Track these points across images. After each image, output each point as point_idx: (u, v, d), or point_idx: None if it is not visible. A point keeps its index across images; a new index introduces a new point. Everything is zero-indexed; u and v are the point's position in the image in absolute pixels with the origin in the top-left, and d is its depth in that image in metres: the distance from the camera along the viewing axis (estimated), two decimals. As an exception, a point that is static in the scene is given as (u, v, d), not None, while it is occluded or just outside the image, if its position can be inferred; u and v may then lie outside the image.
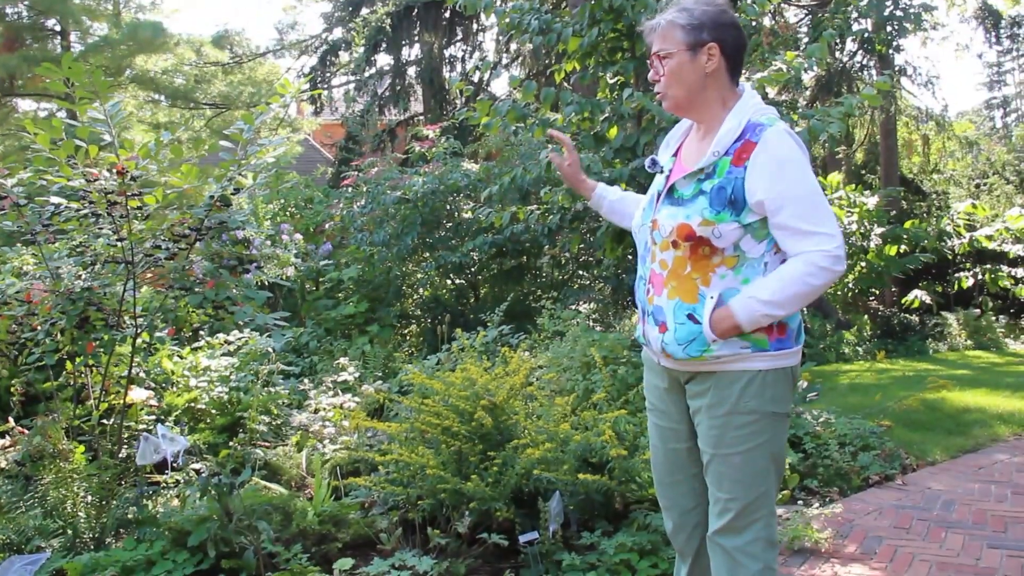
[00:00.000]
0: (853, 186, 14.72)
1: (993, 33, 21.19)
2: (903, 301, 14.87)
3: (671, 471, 2.69)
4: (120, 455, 4.35)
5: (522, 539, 3.56)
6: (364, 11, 19.76)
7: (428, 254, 9.31)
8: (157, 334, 4.64)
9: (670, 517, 2.75)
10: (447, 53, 19.48)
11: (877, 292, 16.18)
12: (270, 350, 6.08)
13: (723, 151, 2.38)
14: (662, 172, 2.62)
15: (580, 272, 9.91)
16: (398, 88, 18.85)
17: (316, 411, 5.68)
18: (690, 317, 2.39)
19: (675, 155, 2.63)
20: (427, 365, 5.73)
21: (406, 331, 9.53)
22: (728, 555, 2.47)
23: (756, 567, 2.43)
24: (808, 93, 17.59)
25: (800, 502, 4.60)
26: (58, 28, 19.23)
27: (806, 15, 17.53)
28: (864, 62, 18.37)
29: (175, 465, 4.28)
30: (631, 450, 4.16)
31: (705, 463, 2.51)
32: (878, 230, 13.31)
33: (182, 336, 6.89)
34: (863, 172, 21.34)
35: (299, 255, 8.67)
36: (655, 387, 2.68)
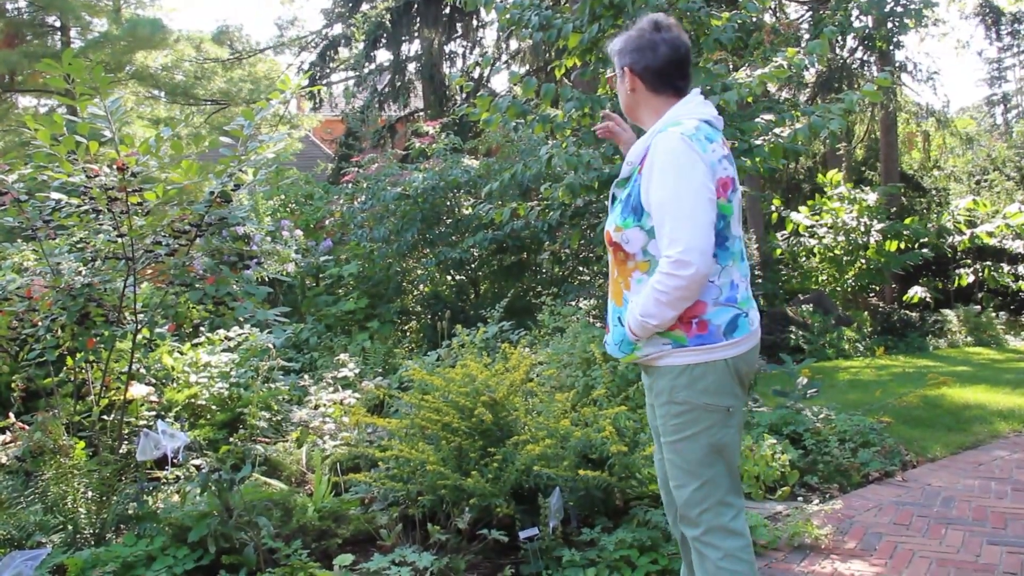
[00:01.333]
0: (852, 183, 14.73)
1: (994, 30, 21.20)
2: (904, 298, 14.88)
3: (660, 452, 2.83)
4: (120, 451, 4.35)
5: (522, 535, 3.57)
6: (364, 6, 19.73)
7: (428, 250, 9.32)
8: (157, 330, 4.64)
9: (664, 501, 2.92)
10: (447, 49, 19.44)
11: (877, 288, 16.17)
12: (270, 346, 6.09)
13: (636, 161, 2.61)
14: None
15: (580, 268, 9.91)
16: (398, 84, 18.81)
17: (316, 407, 5.69)
18: (620, 319, 2.65)
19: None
20: (427, 361, 5.73)
21: (406, 327, 9.54)
22: (692, 545, 2.62)
23: (716, 555, 2.55)
24: (809, 90, 17.58)
25: (800, 498, 4.61)
26: (58, 24, 19.23)
27: (807, 11, 17.52)
28: (865, 58, 18.34)
29: (175, 461, 4.29)
30: (631, 446, 4.16)
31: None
32: (878, 226, 13.33)
33: (182, 332, 6.89)
34: (863, 168, 21.33)
35: (299, 251, 8.67)
36: (644, 376, 2.84)
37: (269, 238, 7.95)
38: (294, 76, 18.92)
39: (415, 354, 7.55)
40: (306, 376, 6.40)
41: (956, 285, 15.45)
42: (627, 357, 2.63)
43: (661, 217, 2.45)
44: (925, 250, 13.60)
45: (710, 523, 2.56)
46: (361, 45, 18.56)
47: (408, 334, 9.36)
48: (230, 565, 3.53)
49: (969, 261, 15.64)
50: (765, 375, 7.46)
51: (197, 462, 4.69)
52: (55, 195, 4.39)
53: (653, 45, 2.66)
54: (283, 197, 10.76)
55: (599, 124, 3.12)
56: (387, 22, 17.97)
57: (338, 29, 19.98)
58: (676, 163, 2.45)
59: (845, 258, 13.70)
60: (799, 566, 3.73)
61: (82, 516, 3.84)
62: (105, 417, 4.76)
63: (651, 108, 2.71)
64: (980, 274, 15.05)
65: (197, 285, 4.41)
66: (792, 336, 10.87)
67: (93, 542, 3.76)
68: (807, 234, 14.35)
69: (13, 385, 5.28)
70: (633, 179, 2.59)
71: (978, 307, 14.94)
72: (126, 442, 4.51)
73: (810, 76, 17.12)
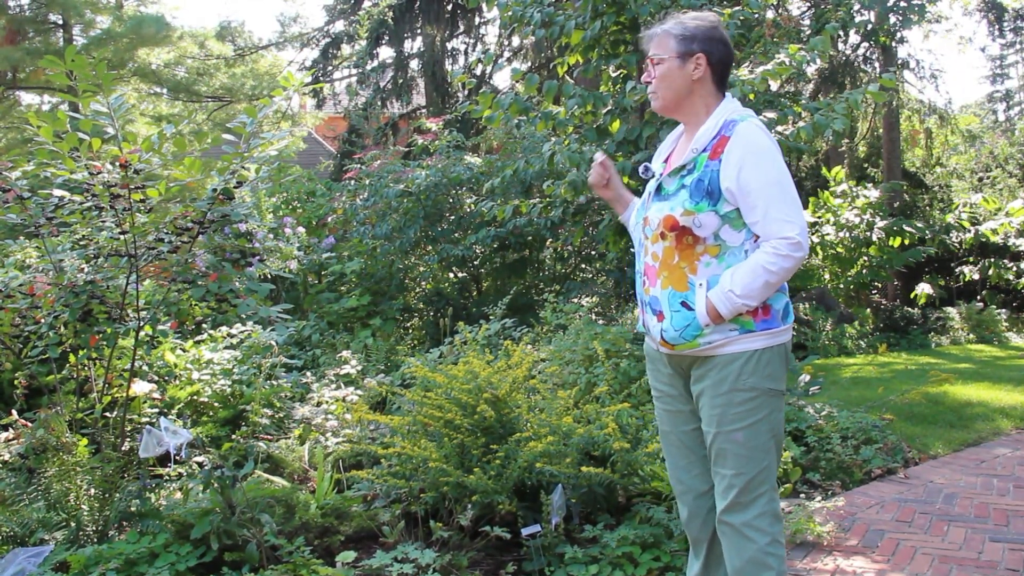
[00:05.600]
0: (855, 180, 14.70)
1: (996, 26, 21.11)
2: (911, 295, 14.86)
3: (684, 454, 2.85)
4: (123, 448, 4.36)
5: (524, 532, 3.57)
6: (366, 3, 19.72)
7: (431, 247, 9.32)
8: (160, 327, 4.63)
9: (684, 503, 2.88)
10: (449, 46, 19.40)
11: (879, 286, 16.14)
12: (273, 343, 6.09)
13: (701, 148, 2.61)
14: (654, 177, 2.82)
15: (583, 265, 9.91)
16: (400, 81, 18.77)
17: (318, 404, 5.69)
18: (684, 304, 2.59)
19: (666, 161, 2.83)
20: (429, 358, 5.73)
21: (408, 324, 9.54)
22: (737, 532, 2.62)
23: (764, 540, 2.58)
24: (811, 86, 17.53)
25: (802, 495, 4.60)
26: (60, 21, 19.23)
27: (808, 7, 17.48)
28: (867, 54, 18.29)
29: (178, 458, 4.29)
30: (634, 443, 4.16)
31: (709, 443, 2.67)
32: (880, 223, 13.30)
33: (185, 329, 6.89)
34: (865, 165, 21.28)
35: (302, 248, 8.68)
36: (661, 373, 2.84)
37: (271, 235, 7.96)
38: (297, 73, 18.90)
39: (417, 351, 7.56)
40: (308, 373, 6.40)
41: (958, 282, 15.43)
42: (688, 344, 2.60)
43: (769, 200, 2.49)
44: (927, 248, 13.57)
45: (763, 508, 2.60)
46: (364, 42, 18.54)
47: (410, 331, 9.36)
48: (232, 562, 3.54)
49: (972, 259, 15.61)
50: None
51: (200, 459, 4.70)
52: (58, 192, 4.40)
53: (725, 41, 2.71)
54: (285, 194, 10.76)
55: (594, 165, 3.07)
56: (389, 19, 17.96)
57: (340, 26, 19.98)
58: (771, 151, 2.54)
59: (847, 255, 13.68)
60: (801, 563, 3.73)
61: (85, 513, 3.85)
62: (108, 414, 4.77)
63: (705, 102, 2.70)
64: (986, 272, 14.99)
65: (200, 282, 4.42)
66: (794, 333, 10.85)
67: (96, 539, 3.77)
68: (809, 231, 14.32)
69: (16, 382, 5.29)
70: (703, 165, 2.58)
71: (981, 304, 14.92)
72: (129, 439, 4.51)
73: (812, 71, 17.08)
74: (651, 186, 2.80)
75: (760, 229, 2.52)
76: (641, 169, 2.89)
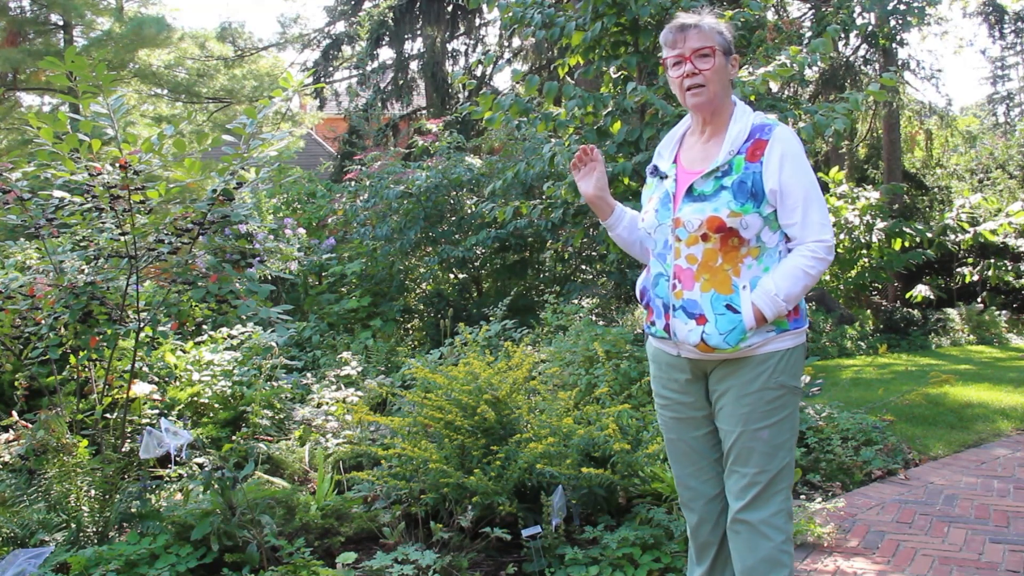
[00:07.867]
0: (855, 182, 14.69)
1: (997, 28, 21.11)
2: (908, 296, 14.86)
3: (693, 460, 2.83)
4: (123, 449, 4.35)
5: (525, 533, 3.57)
6: (367, 4, 19.74)
7: (431, 248, 9.33)
8: (160, 328, 4.63)
9: (694, 510, 2.87)
10: (449, 47, 19.42)
11: (880, 287, 16.14)
12: (273, 344, 6.09)
13: (736, 150, 2.60)
14: (665, 177, 2.77)
15: (583, 267, 9.91)
16: (401, 82, 18.79)
17: (319, 405, 5.69)
18: (728, 307, 2.57)
19: (674, 161, 2.79)
20: (430, 359, 5.73)
21: (409, 325, 9.55)
22: (754, 530, 2.62)
23: (780, 538, 2.61)
24: (811, 88, 17.54)
25: (803, 496, 4.60)
26: (61, 22, 19.24)
27: (809, 9, 17.48)
28: (868, 56, 18.31)
29: (178, 459, 4.29)
30: (634, 444, 4.16)
31: (731, 443, 2.66)
32: (880, 224, 13.30)
33: (185, 330, 6.89)
34: (865, 167, 21.29)
35: (302, 249, 8.68)
36: (674, 380, 2.80)
37: (272, 236, 7.96)
38: (297, 73, 18.95)
39: (418, 352, 7.56)
40: (309, 374, 6.40)
41: (958, 283, 15.42)
42: (733, 348, 2.57)
43: (808, 204, 2.56)
44: (927, 251, 13.58)
45: (780, 505, 2.63)
46: (364, 43, 18.55)
47: (411, 332, 9.37)
48: (233, 563, 3.53)
49: (972, 260, 15.60)
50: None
51: (200, 460, 4.69)
52: (58, 193, 4.40)
53: None
54: (285, 195, 10.77)
55: (584, 147, 2.97)
56: (390, 20, 17.98)
57: (341, 27, 20.00)
58: (805, 156, 2.61)
59: (847, 256, 13.68)
60: (802, 564, 3.73)
61: (85, 514, 3.84)
62: (108, 415, 4.77)
63: (728, 99, 2.73)
64: (986, 272, 14.97)
65: (200, 283, 4.42)
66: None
67: (96, 540, 3.77)
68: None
69: (16, 383, 5.29)
70: (742, 167, 2.58)
71: (981, 305, 14.91)
72: (129, 440, 4.51)
73: (813, 74, 17.08)
74: (669, 187, 2.71)
75: (797, 231, 2.58)
76: (651, 169, 2.85)
